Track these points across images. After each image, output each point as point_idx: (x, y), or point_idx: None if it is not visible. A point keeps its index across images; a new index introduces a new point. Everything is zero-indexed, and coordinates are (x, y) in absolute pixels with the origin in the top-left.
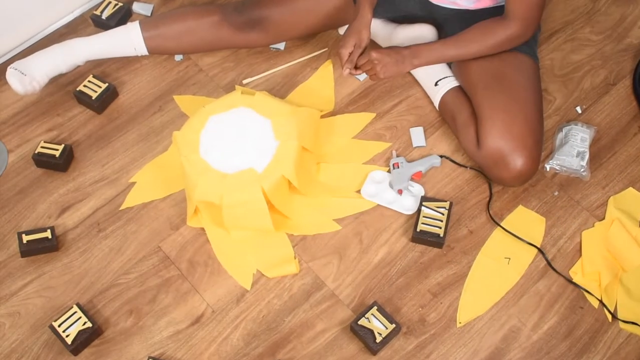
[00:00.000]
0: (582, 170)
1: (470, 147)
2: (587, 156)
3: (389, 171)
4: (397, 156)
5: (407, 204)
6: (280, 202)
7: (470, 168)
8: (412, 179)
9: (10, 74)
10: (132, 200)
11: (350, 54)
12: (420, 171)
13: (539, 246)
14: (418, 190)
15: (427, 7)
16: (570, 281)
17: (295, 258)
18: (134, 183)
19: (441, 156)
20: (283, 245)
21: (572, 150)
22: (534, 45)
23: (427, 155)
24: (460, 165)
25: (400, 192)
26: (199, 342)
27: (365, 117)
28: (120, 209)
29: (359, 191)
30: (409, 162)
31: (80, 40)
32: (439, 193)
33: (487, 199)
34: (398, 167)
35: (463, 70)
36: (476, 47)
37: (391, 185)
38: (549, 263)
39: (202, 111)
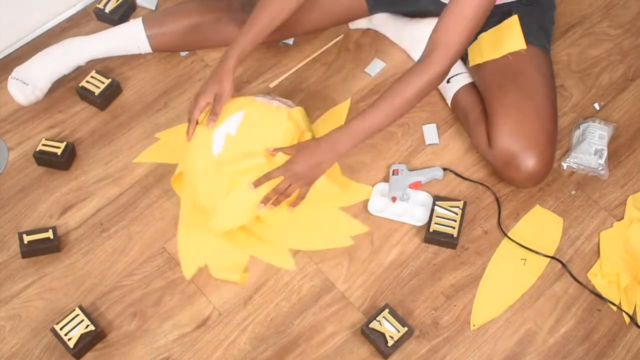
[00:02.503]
0: (600, 168)
1: (481, 146)
2: (605, 154)
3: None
4: (399, 163)
5: (417, 215)
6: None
7: (476, 182)
8: (410, 187)
9: (12, 85)
10: (147, 155)
11: (209, 104)
12: (420, 181)
13: (555, 248)
14: (426, 198)
15: (439, 3)
16: (593, 292)
17: (245, 271)
18: (157, 139)
19: (444, 169)
20: (238, 252)
21: (590, 148)
22: (544, 39)
23: (431, 166)
24: (464, 179)
25: (394, 199)
26: (205, 345)
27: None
28: (133, 161)
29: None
30: (410, 170)
31: (81, 40)
32: (452, 192)
33: (501, 198)
34: (397, 174)
35: (477, 67)
36: (398, 101)
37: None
38: (570, 274)
39: (203, 130)
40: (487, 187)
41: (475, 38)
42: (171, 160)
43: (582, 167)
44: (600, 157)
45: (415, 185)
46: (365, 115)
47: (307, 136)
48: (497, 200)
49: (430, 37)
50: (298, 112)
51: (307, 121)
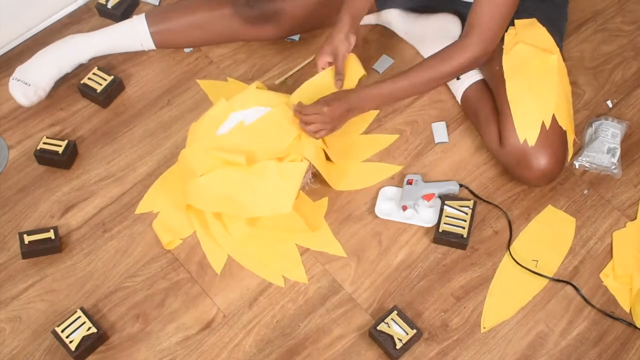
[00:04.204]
0: (613, 167)
1: (492, 144)
2: (618, 153)
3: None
4: (415, 173)
5: (426, 217)
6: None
7: (493, 204)
8: (422, 198)
9: (14, 87)
10: (147, 205)
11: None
12: (434, 194)
13: (567, 248)
14: (434, 199)
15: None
16: (610, 316)
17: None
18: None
19: (461, 185)
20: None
21: (603, 146)
22: (556, 35)
23: (447, 180)
24: (481, 199)
25: (404, 208)
26: (209, 348)
27: (388, 139)
28: (136, 212)
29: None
30: (425, 182)
31: (83, 37)
32: (462, 191)
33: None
34: (411, 184)
35: (487, 63)
36: (432, 75)
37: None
38: (585, 299)
39: (222, 105)
40: (504, 211)
41: (512, 23)
42: (172, 205)
43: (594, 165)
44: (613, 155)
45: (429, 197)
46: (395, 82)
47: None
48: (510, 224)
49: (467, 20)
50: (295, 99)
51: None
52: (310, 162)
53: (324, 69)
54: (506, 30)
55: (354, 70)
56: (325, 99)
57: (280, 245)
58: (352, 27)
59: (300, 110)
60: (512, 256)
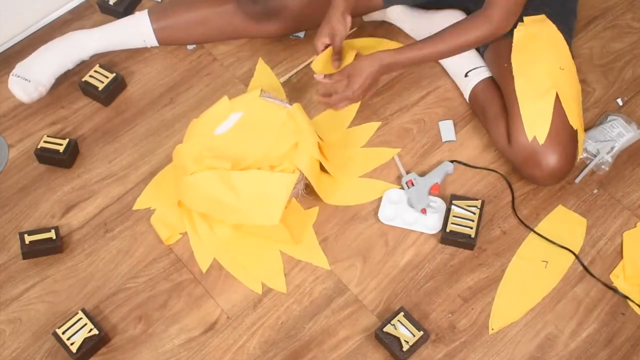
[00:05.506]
0: (603, 164)
1: (500, 142)
2: (614, 151)
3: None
4: (407, 173)
5: (430, 223)
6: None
7: (485, 169)
8: (431, 194)
9: (13, 83)
10: (145, 201)
11: (328, 45)
12: (437, 183)
13: (578, 250)
14: (439, 204)
15: None
16: (609, 287)
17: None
18: (145, 184)
19: (452, 161)
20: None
21: (600, 136)
22: (565, 32)
23: (438, 164)
24: (474, 167)
25: (424, 211)
26: (213, 350)
27: (388, 153)
28: (134, 208)
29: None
30: (421, 176)
31: (85, 33)
32: (469, 191)
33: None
34: (412, 185)
35: (496, 60)
36: (455, 43)
37: (411, 205)
38: (586, 269)
39: (224, 104)
40: (499, 172)
41: (521, 19)
42: (169, 200)
43: (585, 154)
44: (609, 152)
45: (435, 189)
46: (422, 48)
47: (307, 133)
48: (510, 185)
49: None
50: (297, 108)
51: (305, 115)
52: (303, 173)
53: (323, 51)
54: (515, 27)
55: (349, 51)
56: (347, 72)
57: (264, 251)
58: (347, 8)
59: (324, 93)
60: (519, 218)
